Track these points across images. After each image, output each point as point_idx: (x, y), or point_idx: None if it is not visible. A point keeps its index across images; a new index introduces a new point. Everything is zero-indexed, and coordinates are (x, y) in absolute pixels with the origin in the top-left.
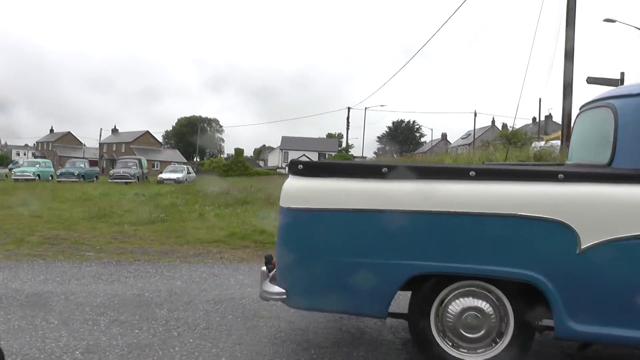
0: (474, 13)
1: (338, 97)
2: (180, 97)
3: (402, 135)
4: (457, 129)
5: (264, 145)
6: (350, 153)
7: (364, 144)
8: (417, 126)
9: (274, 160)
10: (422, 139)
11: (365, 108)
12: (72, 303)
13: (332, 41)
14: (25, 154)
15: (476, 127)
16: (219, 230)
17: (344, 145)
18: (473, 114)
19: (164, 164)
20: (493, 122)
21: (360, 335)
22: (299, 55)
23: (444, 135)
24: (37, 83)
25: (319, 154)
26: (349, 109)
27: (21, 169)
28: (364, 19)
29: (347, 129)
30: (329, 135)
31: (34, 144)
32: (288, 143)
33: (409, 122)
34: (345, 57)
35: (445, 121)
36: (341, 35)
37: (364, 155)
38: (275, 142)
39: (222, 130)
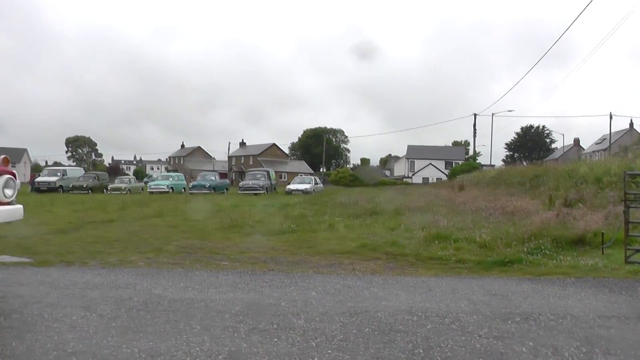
0: (610, 5)
1: (463, 103)
2: (305, 109)
3: (531, 141)
4: (590, 133)
5: (390, 155)
6: (477, 161)
7: (492, 152)
8: (547, 131)
9: (400, 169)
10: (553, 145)
11: (492, 114)
12: (212, 310)
13: (456, 44)
14: (158, 169)
15: (612, 131)
16: (350, 241)
17: (470, 153)
18: (608, 117)
19: (291, 175)
20: (631, 124)
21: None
22: (423, 60)
23: (577, 141)
24: (168, 101)
25: (445, 162)
26: (475, 115)
27: (156, 182)
28: (490, 18)
29: (474, 136)
30: (455, 143)
31: (167, 159)
32: (414, 152)
33: (538, 127)
34: (470, 60)
35: (578, 125)
36: (465, 37)
37: (492, 163)
38: (401, 151)
39: (347, 140)
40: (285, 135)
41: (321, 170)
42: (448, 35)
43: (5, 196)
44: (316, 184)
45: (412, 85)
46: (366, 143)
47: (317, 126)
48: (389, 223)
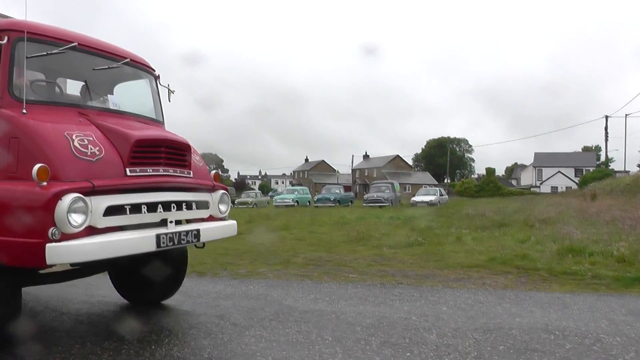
0: None
1: (594, 104)
2: (428, 118)
3: None
4: None
5: (516, 163)
6: (610, 168)
7: (626, 157)
8: None
9: (527, 178)
10: None
11: (626, 115)
12: (342, 322)
13: (583, 40)
14: (283, 183)
15: None
16: (478, 254)
17: (602, 159)
18: None
19: (415, 186)
20: None
21: None
22: (550, 59)
23: None
24: (291, 115)
25: (575, 170)
26: (606, 117)
27: (281, 196)
28: (621, 7)
29: (606, 140)
30: (585, 149)
31: (291, 173)
32: (541, 160)
33: None
34: (601, 55)
35: None
36: (593, 32)
37: (626, 169)
38: (528, 159)
39: (472, 149)
40: (409, 146)
41: (445, 181)
42: (575, 29)
43: (220, 212)
44: (441, 195)
45: (538, 87)
46: (491, 152)
47: (440, 136)
48: (518, 235)
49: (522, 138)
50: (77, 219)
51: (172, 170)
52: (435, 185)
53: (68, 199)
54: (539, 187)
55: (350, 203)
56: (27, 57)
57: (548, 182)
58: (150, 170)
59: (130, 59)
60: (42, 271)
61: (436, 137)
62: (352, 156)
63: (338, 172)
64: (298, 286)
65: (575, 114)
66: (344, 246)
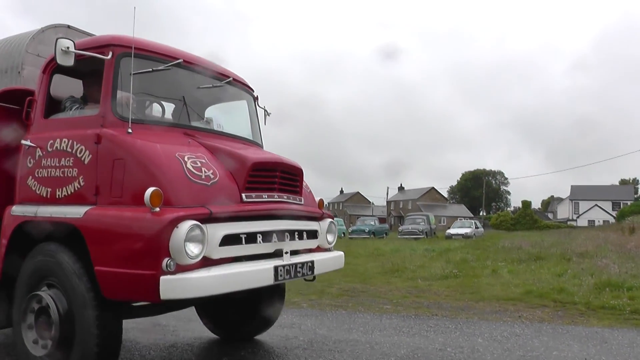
0: None
1: (632, 136)
2: (463, 150)
3: None
4: None
5: (552, 196)
6: None
7: None
8: None
9: (563, 212)
10: None
11: None
12: (377, 352)
13: (622, 70)
14: None
15: None
16: (514, 287)
17: None
18: None
19: (451, 219)
20: None
21: None
22: (587, 89)
23: None
24: (326, 146)
25: (612, 203)
26: None
27: None
28: None
29: None
30: (622, 182)
31: (326, 205)
32: (578, 192)
33: None
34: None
35: None
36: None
37: None
38: (564, 192)
39: (507, 182)
40: (444, 178)
41: (481, 213)
42: (614, 58)
43: (327, 242)
44: (476, 227)
45: (575, 118)
46: (527, 184)
47: (476, 168)
48: (555, 269)
49: (558, 171)
50: (193, 249)
51: (285, 197)
52: (471, 218)
53: (185, 226)
54: (576, 220)
55: (385, 235)
56: (131, 74)
57: (585, 215)
58: (266, 197)
59: (233, 78)
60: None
61: (472, 170)
62: (387, 188)
63: (373, 203)
64: (332, 316)
65: (612, 146)
66: (379, 277)
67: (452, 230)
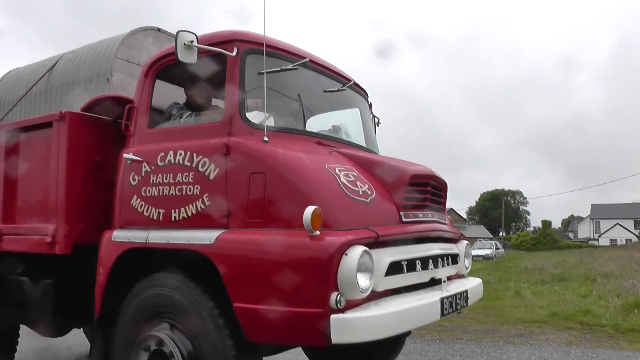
0: None
1: None
2: (481, 170)
3: None
4: None
5: (572, 215)
6: None
7: None
8: None
9: (584, 231)
10: None
11: None
12: None
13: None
14: None
15: None
16: (539, 309)
17: None
18: None
19: (471, 240)
20: None
21: None
22: (607, 103)
23: None
24: None
25: (634, 221)
26: None
27: None
28: None
29: None
30: None
31: None
32: (598, 211)
33: None
34: None
35: None
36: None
37: None
38: (584, 211)
39: (527, 202)
40: (462, 199)
41: (501, 234)
42: (633, 72)
43: (465, 267)
44: (497, 248)
45: (594, 134)
46: (546, 203)
47: (494, 188)
48: (579, 290)
49: (578, 189)
50: (364, 280)
51: (436, 215)
52: (490, 239)
53: (356, 253)
54: (597, 239)
55: None
56: (259, 74)
57: (606, 234)
58: (422, 215)
59: (353, 82)
60: None
61: (490, 190)
62: None
63: None
64: None
65: (633, 163)
66: None
67: (472, 252)
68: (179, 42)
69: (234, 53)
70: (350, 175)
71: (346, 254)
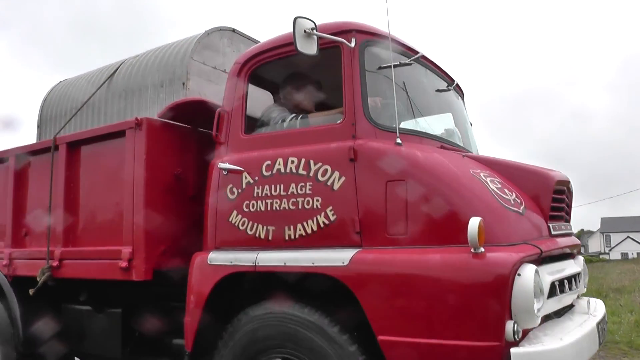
0: None
1: None
2: None
3: None
4: None
5: (582, 230)
6: None
7: None
8: None
9: (594, 245)
10: None
11: None
12: None
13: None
14: None
15: None
16: None
17: None
18: None
19: None
20: None
21: None
22: (614, 114)
23: None
24: None
25: None
26: None
27: None
28: None
29: None
30: None
31: None
32: (608, 225)
33: None
34: None
35: None
36: None
37: None
38: (594, 225)
39: None
40: None
41: None
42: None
43: (584, 285)
44: None
45: (602, 148)
46: None
47: None
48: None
49: (588, 203)
50: (537, 305)
51: (568, 227)
52: None
53: (529, 273)
54: (608, 254)
55: None
56: (378, 68)
57: (617, 248)
58: (564, 227)
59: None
60: None
61: None
62: None
63: None
64: None
65: None
66: None
67: None
68: (297, 30)
69: (352, 44)
70: (497, 182)
71: (519, 274)
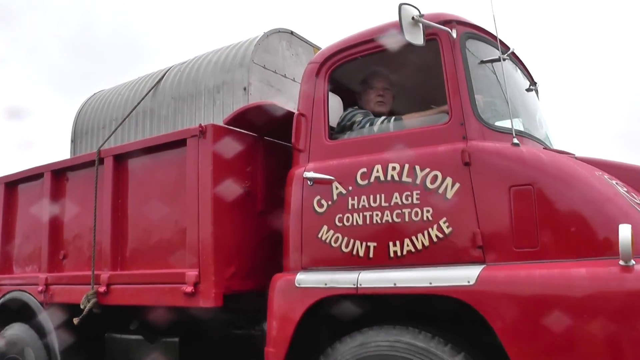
0: None
1: None
2: None
3: None
4: None
5: None
6: None
7: None
8: None
9: None
10: None
11: None
12: None
13: None
14: None
15: None
16: None
17: None
18: None
19: None
20: None
21: None
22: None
23: None
24: None
25: None
26: None
27: None
28: None
29: None
30: None
31: None
32: None
33: None
34: None
35: None
36: None
37: None
38: None
39: None
40: None
41: None
42: None
43: None
44: None
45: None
46: None
47: None
48: None
49: None
50: None
51: None
52: None
53: None
54: None
55: None
56: (479, 63)
57: None
58: None
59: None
60: None
61: None
62: None
63: None
64: None
65: None
66: None
67: None
68: (404, 17)
69: (454, 35)
70: (622, 186)
71: None
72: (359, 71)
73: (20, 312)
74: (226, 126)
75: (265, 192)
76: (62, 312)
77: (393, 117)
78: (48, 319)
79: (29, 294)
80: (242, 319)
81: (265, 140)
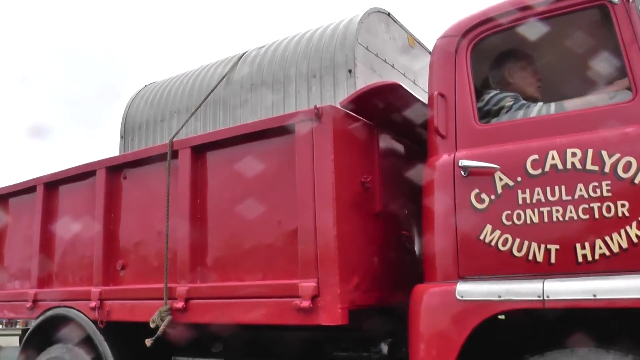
0: None
1: None
2: None
3: None
4: None
5: None
6: None
7: None
8: None
9: None
10: None
11: None
12: None
13: None
14: None
15: None
16: None
17: None
18: None
19: None
20: None
21: None
22: None
23: None
24: None
25: None
26: None
27: None
28: None
29: None
30: None
31: None
32: None
33: None
34: None
35: None
36: None
37: None
38: None
39: None
40: None
41: None
42: None
43: None
44: None
45: None
46: None
47: None
48: None
49: None
50: None
51: None
52: None
53: None
54: None
55: None
56: None
57: None
58: None
59: None
60: None
61: None
62: None
63: None
64: None
65: None
66: None
67: None
68: None
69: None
70: None
71: None
72: (501, 46)
73: (63, 332)
74: (344, 110)
75: (384, 190)
76: (119, 331)
77: (553, 103)
78: (102, 339)
79: (78, 310)
80: (347, 339)
81: (381, 129)
